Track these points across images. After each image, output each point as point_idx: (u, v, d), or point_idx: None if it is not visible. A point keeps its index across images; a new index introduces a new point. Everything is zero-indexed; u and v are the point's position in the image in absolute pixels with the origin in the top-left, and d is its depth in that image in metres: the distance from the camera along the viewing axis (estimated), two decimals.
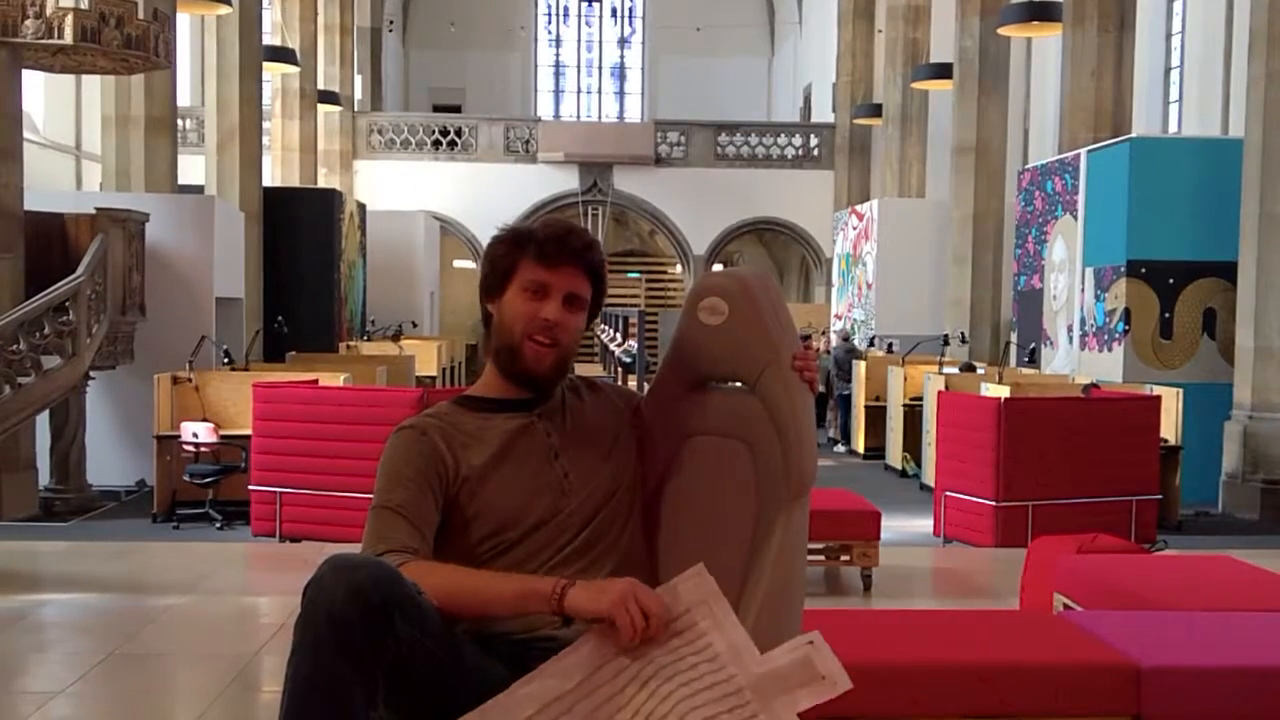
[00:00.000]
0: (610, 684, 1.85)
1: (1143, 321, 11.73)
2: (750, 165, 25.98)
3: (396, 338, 16.10)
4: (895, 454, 13.13)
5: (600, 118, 33.42)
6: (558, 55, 34.09)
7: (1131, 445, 8.45)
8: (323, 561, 1.84)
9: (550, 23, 34.00)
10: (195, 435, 9.59)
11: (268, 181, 17.36)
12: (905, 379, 12.95)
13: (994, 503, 8.03)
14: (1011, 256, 15.77)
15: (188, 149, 17.93)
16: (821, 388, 15.31)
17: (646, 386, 2.48)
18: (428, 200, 24.13)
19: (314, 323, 15.71)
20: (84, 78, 16.41)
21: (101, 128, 13.37)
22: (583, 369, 19.39)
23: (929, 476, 10.70)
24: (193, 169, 16.56)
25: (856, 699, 3.13)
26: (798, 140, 26.17)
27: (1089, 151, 12.95)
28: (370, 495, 2.16)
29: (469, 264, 24.99)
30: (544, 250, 2.18)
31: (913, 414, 12.57)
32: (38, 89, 17.39)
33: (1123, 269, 11.82)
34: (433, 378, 15.98)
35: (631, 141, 26.18)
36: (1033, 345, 13.61)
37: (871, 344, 17.37)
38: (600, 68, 34.33)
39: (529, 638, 2.02)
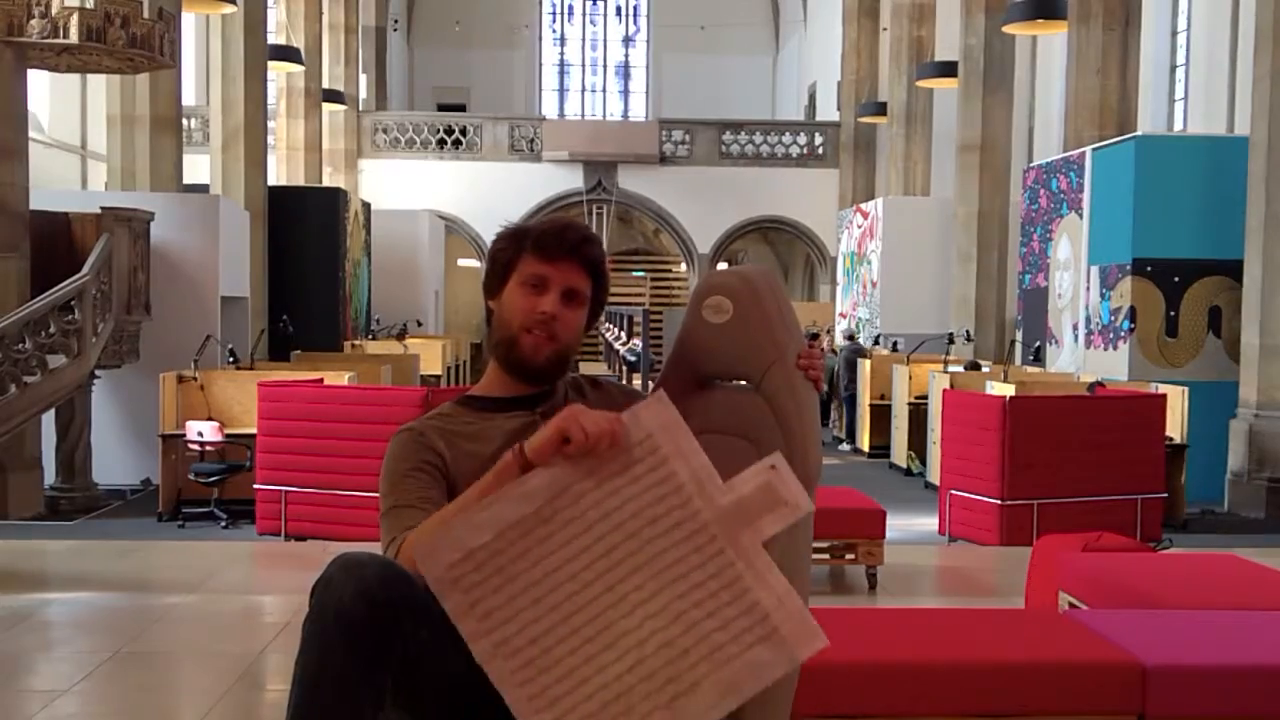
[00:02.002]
0: (571, 508, 1.79)
1: (1148, 320, 11.71)
2: (755, 164, 25.97)
3: (401, 337, 16.09)
4: (900, 452, 13.13)
5: (605, 116, 33.41)
6: (562, 54, 34.10)
7: (1137, 443, 8.44)
8: (331, 561, 1.84)
9: (555, 21, 34.01)
10: (200, 434, 9.60)
11: (272, 181, 17.38)
12: (910, 377, 12.94)
13: (999, 501, 8.03)
14: (1016, 255, 15.75)
15: (193, 148, 17.95)
16: (825, 387, 15.31)
17: (651, 385, 2.48)
18: (432, 199, 24.15)
19: (319, 322, 15.73)
20: (89, 77, 16.47)
21: (107, 127, 13.39)
22: (587, 368, 19.39)
23: (934, 475, 10.69)
24: (198, 168, 16.58)
25: (861, 698, 3.14)
26: (802, 139, 26.16)
27: (1094, 149, 12.93)
28: (374, 494, 2.16)
29: (474, 263, 25.00)
30: (542, 244, 2.19)
31: (917, 412, 12.56)
32: (43, 88, 17.41)
33: (1128, 267, 11.80)
34: (437, 377, 15.99)
35: (636, 140, 26.18)
36: (1038, 344, 13.59)
37: (876, 342, 17.37)
38: (605, 66, 34.33)
39: None
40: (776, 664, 1.72)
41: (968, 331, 15.74)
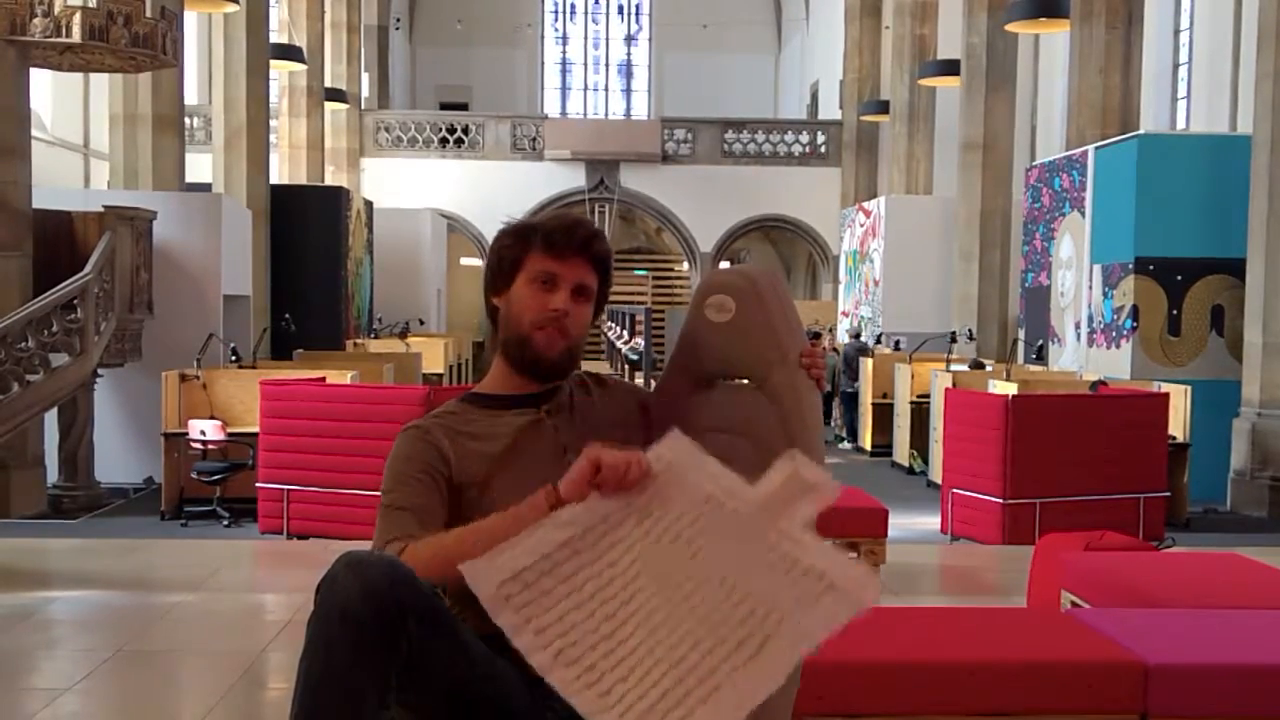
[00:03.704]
0: (610, 532, 1.84)
1: (1150, 318, 11.71)
2: (757, 162, 25.97)
3: (403, 335, 16.11)
4: (902, 451, 13.13)
5: (607, 115, 33.42)
6: (564, 53, 34.10)
7: (1139, 442, 8.44)
8: (337, 559, 1.84)
9: (557, 20, 34.01)
10: (203, 433, 9.60)
11: (275, 179, 17.39)
12: (912, 376, 12.94)
13: (1001, 500, 8.03)
14: (1019, 253, 15.75)
15: (195, 147, 17.96)
16: (828, 385, 15.31)
17: (653, 384, 2.48)
18: (434, 198, 24.16)
19: (321, 320, 15.73)
20: (92, 76, 16.45)
21: (109, 126, 13.39)
22: (589, 367, 19.37)
23: (936, 474, 10.69)
24: (200, 167, 16.58)
25: (862, 696, 3.14)
26: (804, 137, 26.15)
27: (1096, 148, 12.92)
28: (376, 492, 2.16)
29: (476, 262, 25.01)
30: (552, 241, 2.19)
31: (920, 411, 12.56)
32: (46, 87, 17.42)
33: (1130, 266, 11.80)
34: (439, 375, 15.99)
35: (638, 139, 26.18)
36: (1040, 342, 13.59)
37: (878, 341, 17.37)
38: (607, 65, 34.32)
39: None
40: (841, 611, 1.75)
41: (970, 330, 15.73)
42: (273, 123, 18.16)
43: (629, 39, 34.23)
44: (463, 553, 1.88)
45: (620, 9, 34.15)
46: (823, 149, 25.90)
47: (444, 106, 29.10)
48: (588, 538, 1.82)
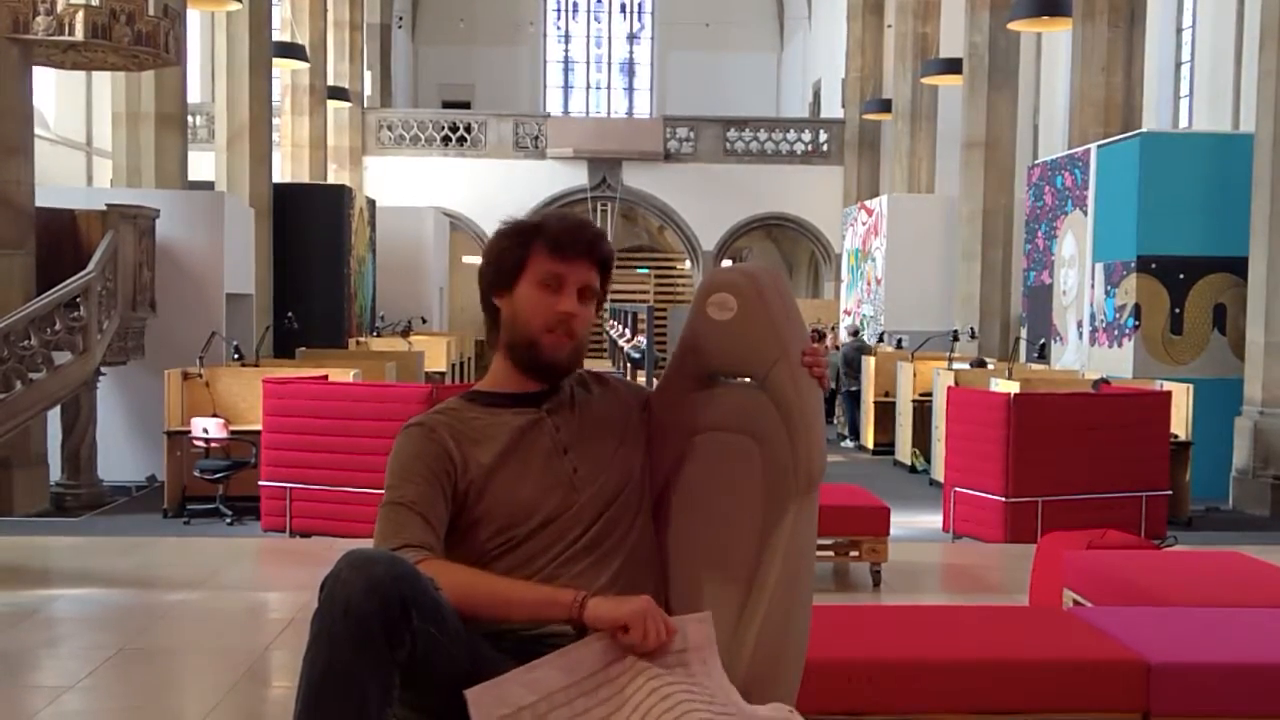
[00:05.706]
0: (608, 688, 1.93)
1: (1153, 317, 11.70)
2: (759, 161, 25.97)
3: (406, 334, 16.11)
4: (904, 450, 13.13)
5: (609, 113, 33.41)
6: (567, 51, 34.10)
7: (1141, 441, 8.44)
8: (341, 556, 1.85)
9: (559, 19, 34.00)
10: (205, 431, 9.60)
11: (277, 178, 17.39)
12: (915, 374, 12.94)
13: (1003, 498, 8.03)
14: (1021, 252, 15.74)
15: (198, 145, 17.96)
16: (831, 384, 15.30)
17: (655, 382, 2.49)
18: (437, 196, 24.15)
19: (324, 319, 15.73)
20: (95, 74, 16.47)
21: (112, 124, 13.39)
22: (591, 365, 19.38)
23: (938, 472, 10.69)
24: (203, 165, 16.59)
25: (865, 694, 3.14)
26: (807, 136, 26.15)
27: (1099, 147, 12.91)
28: (379, 490, 2.16)
29: (478, 260, 24.94)
30: (557, 243, 2.19)
31: (922, 409, 12.56)
32: (49, 86, 17.44)
33: (1133, 264, 11.79)
34: (442, 373, 16.00)
35: (640, 137, 26.17)
36: (1042, 341, 13.57)
37: (880, 339, 17.36)
38: (609, 64, 34.32)
39: (540, 634, 2.03)
40: None
41: (972, 329, 15.72)
42: (275, 121, 18.17)
43: (631, 37, 34.22)
44: (471, 605, 1.95)
45: (623, 7, 34.15)
46: (825, 147, 25.89)
47: (446, 105, 29.11)
48: (586, 687, 1.93)
